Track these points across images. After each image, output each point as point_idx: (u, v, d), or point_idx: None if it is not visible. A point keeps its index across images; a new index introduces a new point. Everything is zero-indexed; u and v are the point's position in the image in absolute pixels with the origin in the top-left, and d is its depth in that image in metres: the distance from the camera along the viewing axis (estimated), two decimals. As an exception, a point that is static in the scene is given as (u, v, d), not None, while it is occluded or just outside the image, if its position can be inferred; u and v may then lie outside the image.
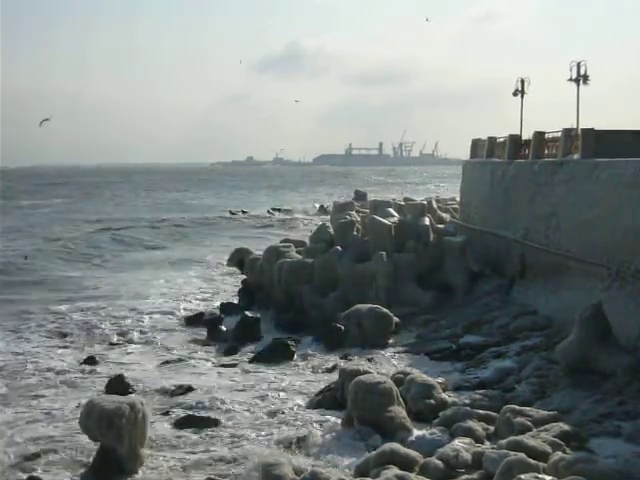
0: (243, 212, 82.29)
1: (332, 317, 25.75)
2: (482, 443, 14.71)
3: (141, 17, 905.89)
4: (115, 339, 26.68)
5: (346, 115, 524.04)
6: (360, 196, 63.27)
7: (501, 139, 31.23)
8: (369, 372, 17.73)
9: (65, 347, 25.55)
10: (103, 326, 28.51)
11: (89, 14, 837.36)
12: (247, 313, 26.38)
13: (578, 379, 17.43)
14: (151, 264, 46.37)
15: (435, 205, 37.82)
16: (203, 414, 18.17)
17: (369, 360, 21.54)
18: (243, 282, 33.13)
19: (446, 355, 22.08)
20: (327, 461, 14.83)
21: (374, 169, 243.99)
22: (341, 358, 22.47)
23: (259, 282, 31.49)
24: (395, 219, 30.93)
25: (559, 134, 25.26)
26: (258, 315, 26.44)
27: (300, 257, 30.70)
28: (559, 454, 13.14)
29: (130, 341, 26.49)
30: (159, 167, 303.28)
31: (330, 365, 22.01)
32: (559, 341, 19.12)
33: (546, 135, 26.73)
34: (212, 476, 14.76)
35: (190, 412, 18.27)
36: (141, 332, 27.60)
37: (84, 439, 15.57)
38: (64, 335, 27.02)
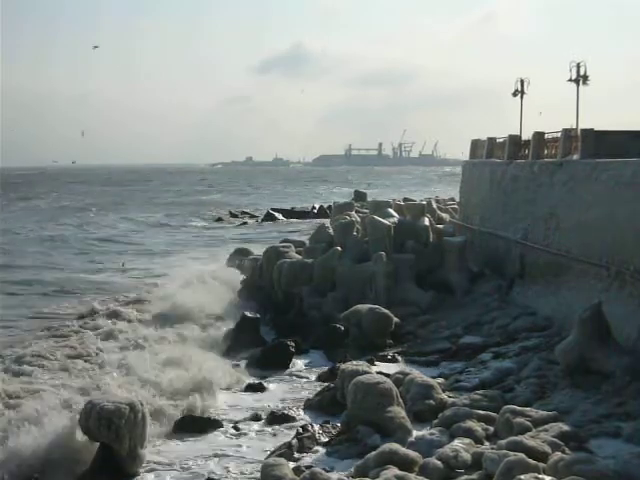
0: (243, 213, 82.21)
1: (332, 317, 25.76)
2: (482, 443, 14.71)
3: (143, 18, 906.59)
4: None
5: (346, 116, 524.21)
6: (360, 196, 63.30)
7: (501, 139, 31.24)
8: (369, 372, 17.74)
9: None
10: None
11: (89, 15, 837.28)
12: (246, 313, 26.33)
13: (577, 379, 17.43)
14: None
15: (434, 205, 37.82)
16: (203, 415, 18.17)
17: (369, 360, 21.51)
18: (243, 282, 33.09)
19: (446, 355, 22.11)
20: (327, 461, 14.84)
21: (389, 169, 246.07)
22: (340, 360, 22.44)
23: (259, 282, 31.48)
24: (395, 219, 30.91)
25: (559, 134, 25.27)
26: (258, 315, 26.41)
27: (300, 257, 30.70)
28: (559, 454, 13.15)
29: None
30: (159, 167, 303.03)
31: (330, 366, 21.99)
32: (559, 341, 19.13)
33: (546, 135, 26.74)
34: (212, 477, 14.79)
35: (189, 413, 18.23)
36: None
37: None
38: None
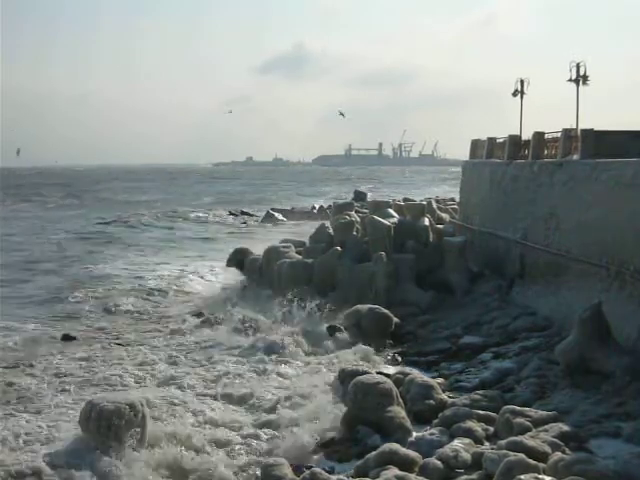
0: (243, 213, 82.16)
1: (332, 317, 25.72)
2: (482, 443, 14.73)
3: (143, 18, 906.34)
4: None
5: (347, 116, 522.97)
6: (360, 196, 63.34)
7: (501, 140, 31.24)
8: (369, 372, 17.74)
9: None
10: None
11: (89, 15, 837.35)
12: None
13: (577, 380, 17.44)
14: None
15: (434, 205, 37.80)
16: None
17: (368, 360, 21.52)
18: (243, 282, 33.10)
19: (446, 355, 22.12)
20: (326, 462, 14.83)
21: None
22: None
23: (259, 282, 31.46)
24: (394, 219, 30.91)
25: (559, 135, 25.27)
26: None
27: (300, 257, 30.69)
28: (558, 454, 13.16)
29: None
30: (159, 167, 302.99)
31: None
32: (559, 341, 19.13)
33: (546, 136, 26.73)
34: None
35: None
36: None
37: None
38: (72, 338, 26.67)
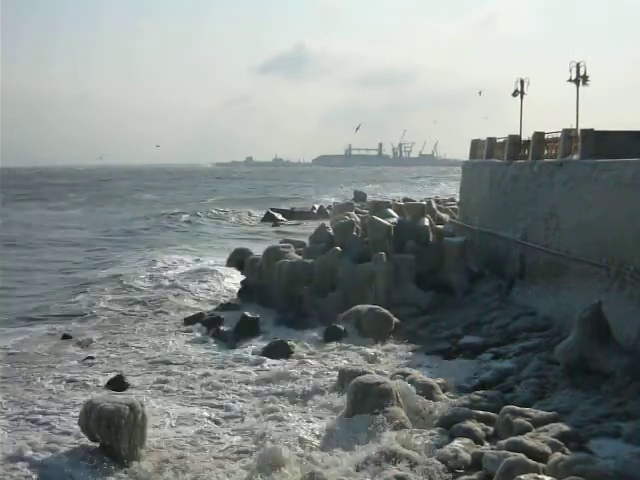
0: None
1: (332, 317, 25.74)
2: (481, 444, 14.73)
3: (143, 18, 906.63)
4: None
5: (346, 116, 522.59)
6: (359, 196, 63.35)
7: (501, 140, 31.24)
8: (368, 372, 17.73)
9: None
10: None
11: (89, 15, 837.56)
12: (246, 314, 26.37)
13: (577, 380, 17.44)
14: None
15: (434, 206, 37.80)
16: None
17: (368, 360, 21.51)
18: (243, 283, 33.09)
19: (446, 356, 22.11)
20: (326, 461, 14.81)
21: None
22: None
23: (259, 283, 31.45)
24: (394, 220, 30.90)
25: (559, 135, 25.27)
26: (257, 316, 26.43)
27: (300, 257, 30.69)
28: (558, 455, 13.17)
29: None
30: (159, 168, 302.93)
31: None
32: (559, 342, 19.13)
33: (546, 136, 26.73)
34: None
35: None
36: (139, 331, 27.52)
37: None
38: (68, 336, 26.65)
